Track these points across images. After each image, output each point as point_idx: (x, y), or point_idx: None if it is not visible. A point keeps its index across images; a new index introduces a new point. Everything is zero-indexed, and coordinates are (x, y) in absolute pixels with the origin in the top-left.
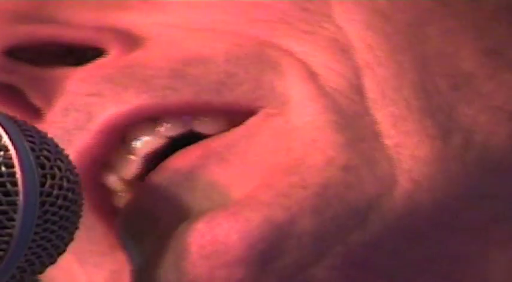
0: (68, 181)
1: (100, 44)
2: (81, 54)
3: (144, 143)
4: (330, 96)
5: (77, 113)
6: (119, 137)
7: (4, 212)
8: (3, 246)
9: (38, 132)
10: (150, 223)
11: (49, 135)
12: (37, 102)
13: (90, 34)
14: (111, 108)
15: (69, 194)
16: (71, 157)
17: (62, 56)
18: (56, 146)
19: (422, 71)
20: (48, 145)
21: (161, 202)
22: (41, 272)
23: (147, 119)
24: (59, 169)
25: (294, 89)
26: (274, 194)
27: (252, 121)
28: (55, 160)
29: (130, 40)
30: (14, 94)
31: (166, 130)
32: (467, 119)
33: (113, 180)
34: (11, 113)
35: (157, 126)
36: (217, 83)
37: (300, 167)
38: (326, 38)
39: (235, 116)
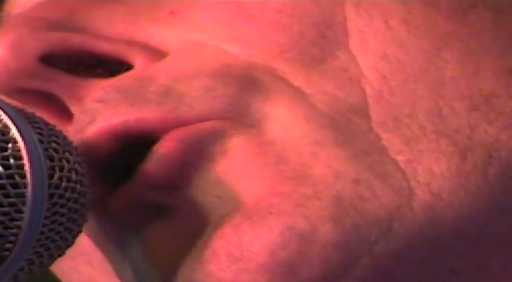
0: (77, 173)
1: (130, 58)
2: (111, 66)
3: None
4: (325, 116)
5: (84, 116)
6: (116, 144)
7: (13, 204)
8: (12, 238)
9: (47, 124)
10: (150, 214)
11: (57, 128)
12: (72, 109)
13: (121, 47)
14: (110, 116)
15: (78, 186)
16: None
17: (92, 66)
18: (65, 138)
19: (437, 97)
20: (57, 137)
21: (159, 192)
22: (49, 265)
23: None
24: (68, 161)
25: (278, 108)
26: (293, 204)
27: (216, 121)
28: (63, 152)
29: (156, 55)
30: (51, 100)
31: None
32: (488, 137)
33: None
34: (48, 118)
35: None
36: (193, 98)
37: (307, 178)
38: (334, 67)
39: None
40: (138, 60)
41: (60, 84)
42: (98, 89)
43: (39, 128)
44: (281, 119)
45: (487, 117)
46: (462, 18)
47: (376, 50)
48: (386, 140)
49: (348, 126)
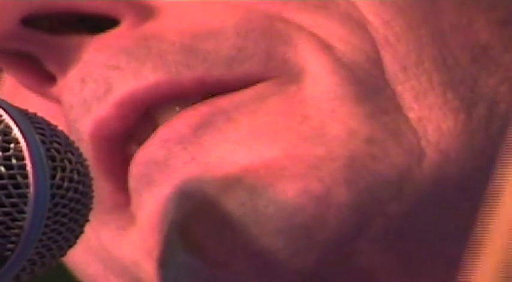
0: (79, 174)
1: (114, 14)
2: (93, 22)
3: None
4: (348, 68)
5: (96, 84)
6: (139, 110)
7: (15, 205)
8: (14, 238)
9: (49, 124)
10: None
11: (59, 128)
12: (52, 69)
13: (104, 3)
14: (130, 82)
15: (80, 187)
16: (89, 127)
17: (74, 24)
18: (67, 138)
19: (441, 45)
20: (59, 137)
21: (171, 153)
22: (51, 265)
23: (167, 94)
24: (70, 162)
25: (308, 60)
26: (306, 166)
27: (262, 85)
28: (65, 152)
29: (144, 10)
30: (30, 61)
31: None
32: (489, 90)
33: (135, 150)
34: (27, 80)
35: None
36: (228, 58)
37: (322, 137)
38: (340, 12)
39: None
40: (127, 16)
41: (42, 44)
42: (96, 50)
43: (41, 128)
44: (313, 72)
45: (487, 69)
46: None
47: None
48: (399, 96)
49: (368, 80)
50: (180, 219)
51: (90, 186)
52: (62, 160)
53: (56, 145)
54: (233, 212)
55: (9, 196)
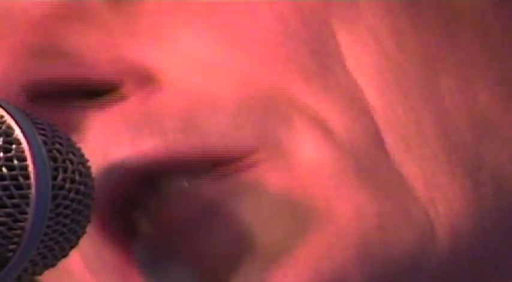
0: (80, 174)
1: (116, 81)
2: (95, 87)
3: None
4: (348, 150)
5: (94, 151)
6: (138, 175)
7: (16, 205)
8: (16, 239)
9: (50, 125)
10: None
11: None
12: None
13: (107, 72)
14: (127, 148)
15: (82, 188)
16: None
17: (76, 89)
18: (68, 139)
19: (439, 113)
20: (60, 138)
21: (182, 235)
22: (53, 266)
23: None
24: (71, 162)
25: (303, 139)
26: (318, 245)
27: (261, 168)
28: (67, 153)
29: (148, 82)
30: None
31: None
32: (497, 168)
33: (137, 216)
34: None
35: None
36: (224, 133)
37: (331, 216)
38: (342, 94)
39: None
40: (128, 84)
41: (47, 115)
42: (100, 122)
43: (42, 129)
44: (307, 151)
45: (491, 144)
46: (447, 31)
47: (369, 66)
48: (407, 178)
49: (370, 160)
50: None
51: (91, 187)
52: (63, 161)
53: (57, 146)
54: None
55: (11, 197)
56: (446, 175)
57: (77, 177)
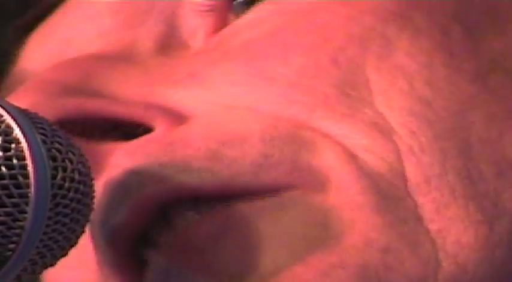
0: (80, 174)
1: (148, 121)
2: (127, 129)
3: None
4: (370, 178)
5: (115, 188)
6: (156, 213)
7: (16, 205)
8: (15, 238)
9: (50, 124)
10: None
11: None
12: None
13: (138, 111)
14: (149, 186)
15: (81, 187)
16: (104, 233)
17: (108, 130)
18: (68, 138)
19: (466, 158)
20: (60, 138)
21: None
22: (52, 265)
23: (188, 199)
24: (71, 162)
25: (331, 168)
26: (316, 274)
27: (288, 193)
28: (66, 153)
29: (177, 118)
30: None
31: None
32: None
33: (152, 255)
34: None
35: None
36: (254, 165)
37: (337, 246)
38: (366, 121)
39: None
40: (159, 123)
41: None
42: (121, 155)
43: (42, 128)
44: (333, 181)
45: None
46: (483, 82)
47: (402, 107)
48: (420, 207)
49: (389, 190)
50: None
51: (91, 186)
52: (63, 160)
53: (57, 145)
54: None
55: (10, 196)
56: (459, 208)
57: (77, 176)
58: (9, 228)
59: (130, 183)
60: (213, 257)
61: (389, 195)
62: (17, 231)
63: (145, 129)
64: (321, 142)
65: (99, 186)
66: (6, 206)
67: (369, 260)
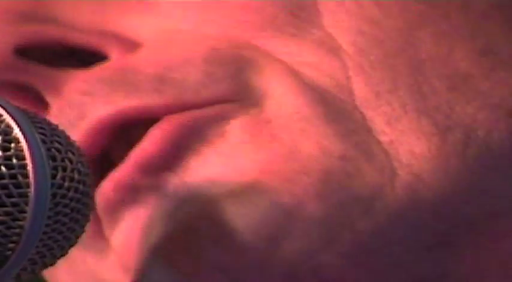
0: (79, 173)
1: (103, 49)
2: (84, 56)
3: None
4: (315, 91)
5: (71, 111)
6: (111, 134)
7: (15, 204)
8: (15, 238)
9: (49, 124)
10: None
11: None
12: (46, 98)
13: (93, 38)
14: (101, 108)
15: (81, 186)
16: None
17: (65, 57)
18: (67, 138)
19: (417, 74)
20: (59, 137)
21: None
22: (52, 264)
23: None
24: (70, 161)
25: (271, 84)
26: (281, 180)
27: (226, 105)
28: (66, 152)
29: (130, 46)
30: (26, 91)
31: None
32: (466, 117)
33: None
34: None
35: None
36: (195, 83)
37: (296, 154)
38: (313, 41)
39: None
40: (113, 51)
41: (36, 75)
42: (78, 80)
43: (42, 128)
44: (276, 96)
45: (465, 96)
46: (432, 4)
47: (350, 27)
48: (370, 120)
49: (334, 103)
50: (158, 239)
51: (90, 185)
52: (62, 160)
53: (56, 145)
54: (209, 229)
55: (10, 196)
56: (411, 121)
57: (76, 176)
58: (9, 227)
59: (85, 106)
60: (176, 175)
61: (336, 108)
62: (17, 230)
63: (102, 57)
64: (262, 61)
65: (55, 109)
66: (6, 206)
67: (330, 166)
